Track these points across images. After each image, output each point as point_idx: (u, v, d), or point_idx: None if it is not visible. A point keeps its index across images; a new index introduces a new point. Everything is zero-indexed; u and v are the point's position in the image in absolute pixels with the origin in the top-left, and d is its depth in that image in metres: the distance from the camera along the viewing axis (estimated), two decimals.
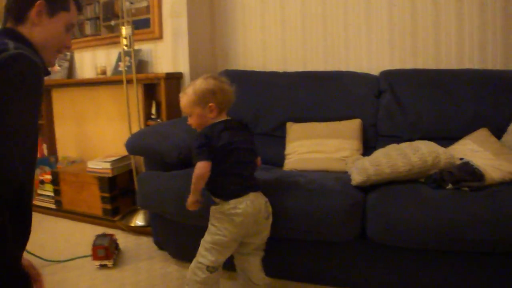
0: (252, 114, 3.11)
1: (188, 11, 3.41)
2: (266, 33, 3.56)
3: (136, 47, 3.46)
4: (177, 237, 2.65)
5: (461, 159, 2.23)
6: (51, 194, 3.82)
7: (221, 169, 1.91)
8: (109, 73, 3.80)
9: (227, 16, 3.69)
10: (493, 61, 2.89)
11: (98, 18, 3.99)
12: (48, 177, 3.86)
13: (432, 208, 1.95)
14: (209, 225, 1.98)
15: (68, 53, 4.10)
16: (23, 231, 1.37)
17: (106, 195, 3.43)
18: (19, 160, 1.18)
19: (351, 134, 2.75)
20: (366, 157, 2.36)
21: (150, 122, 3.47)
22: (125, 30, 3.28)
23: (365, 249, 2.16)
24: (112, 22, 3.87)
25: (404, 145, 2.29)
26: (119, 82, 3.47)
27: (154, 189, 2.47)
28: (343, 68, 3.24)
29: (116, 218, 3.37)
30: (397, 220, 1.97)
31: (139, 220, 3.25)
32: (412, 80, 2.85)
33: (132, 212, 3.35)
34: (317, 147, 2.71)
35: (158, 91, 3.45)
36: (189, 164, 2.22)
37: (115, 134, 3.86)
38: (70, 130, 4.24)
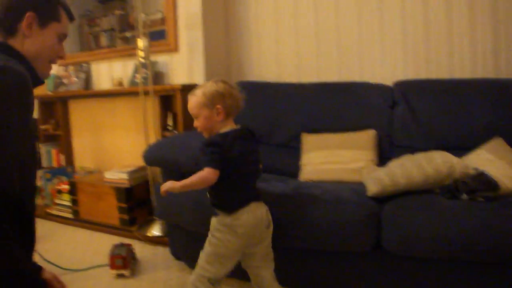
0: (268, 125, 3.13)
1: (204, 24, 3.45)
2: (280, 45, 3.59)
3: (152, 58, 3.51)
4: (194, 247, 2.65)
5: (475, 169, 2.22)
6: (69, 203, 3.86)
7: (230, 182, 1.89)
8: (125, 84, 3.85)
9: (242, 28, 3.72)
10: (507, 70, 2.88)
11: (113, 29, 4.05)
12: (66, 186, 3.90)
13: (447, 219, 1.95)
14: (210, 237, 1.96)
15: (85, 65, 4.16)
16: (27, 241, 1.36)
17: (123, 205, 3.47)
18: (9, 171, 1.18)
19: (366, 144, 2.76)
20: (381, 168, 2.38)
21: (167, 133, 3.50)
22: (141, 42, 3.33)
23: (380, 259, 2.16)
24: (128, 34, 3.93)
25: (419, 156, 2.29)
26: (136, 93, 3.52)
27: (172, 199, 2.48)
28: (357, 78, 3.26)
29: (133, 228, 3.40)
30: (413, 230, 1.97)
31: (155, 230, 3.28)
32: (426, 90, 2.85)
33: (149, 222, 3.38)
34: (332, 158, 2.72)
35: (174, 102, 3.49)
36: None
37: (132, 145, 3.91)
38: (87, 141, 4.30)
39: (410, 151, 2.50)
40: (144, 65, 3.41)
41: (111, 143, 4.12)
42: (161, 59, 3.67)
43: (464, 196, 2.07)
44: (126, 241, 3.08)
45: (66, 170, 4.28)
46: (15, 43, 1.39)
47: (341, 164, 2.68)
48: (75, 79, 4.16)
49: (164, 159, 2.65)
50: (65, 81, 4.21)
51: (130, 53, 3.78)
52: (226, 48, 3.77)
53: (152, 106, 3.41)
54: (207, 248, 1.95)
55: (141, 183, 3.57)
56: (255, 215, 1.92)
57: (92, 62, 4.18)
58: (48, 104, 4.48)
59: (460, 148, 2.54)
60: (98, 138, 4.21)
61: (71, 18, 1.54)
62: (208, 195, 1.99)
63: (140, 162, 3.09)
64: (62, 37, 1.50)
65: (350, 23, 3.30)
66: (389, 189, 2.15)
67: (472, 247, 1.87)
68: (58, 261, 2.93)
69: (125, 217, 3.47)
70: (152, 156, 2.71)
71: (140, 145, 3.53)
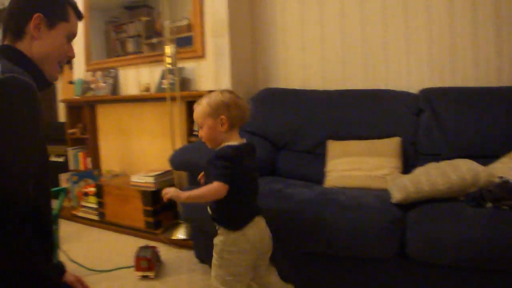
0: (293, 132, 3.15)
1: (230, 31, 3.49)
2: (306, 52, 3.61)
3: (179, 65, 3.56)
4: None
5: (500, 177, 2.20)
6: (95, 206, 3.94)
7: (237, 199, 1.87)
8: (152, 90, 3.91)
9: (268, 35, 3.76)
10: None
11: (140, 36, 4.12)
12: (92, 189, 3.98)
13: (471, 227, 1.94)
14: (218, 259, 1.91)
15: (113, 70, 4.25)
16: (45, 245, 1.31)
17: (149, 208, 3.52)
18: (20, 181, 1.12)
19: (391, 152, 2.76)
20: (406, 175, 2.38)
21: (193, 139, 3.54)
22: (169, 49, 3.38)
23: (404, 266, 2.16)
24: (154, 40, 3.99)
25: (444, 164, 2.29)
26: (162, 99, 3.58)
27: (197, 203, 2.50)
28: (382, 86, 3.26)
29: (158, 231, 3.45)
30: (437, 238, 1.97)
31: (180, 234, 3.32)
32: (452, 98, 2.84)
33: (174, 226, 3.42)
34: (357, 165, 2.73)
35: None
36: None
37: (158, 150, 3.97)
38: (113, 145, 4.38)
39: (435, 159, 2.50)
40: (171, 71, 3.47)
41: (138, 148, 4.18)
42: (188, 65, 3.73)
43: (489, 204, 2.06)
44: (151, 243, 3.12)
45: (93, 173, 4.36)
46: (23, 46, 1.35)
47: (365, 171, 2.69)
48: (103, 84, 4.25)
49: (190, 163, 2.69)
50: (92, 86, 4.30)
51: (157, 59, 3.84)
52: (252, 55, 3.80)
53: (178, 112, 3.47)
54: (218, 271, 1.91)
55: (167, 186, 3.58)
56: (259, 229, 1.93)
57: (120, 68, 4.26)
58: (75, 109, 4.58)
59: (485, 157, 2.52)
60: (125, 142, 4.28)
61: (79, 16, 1.51)
62: (209, 209, 1.97)
63: (166, 167, 3.14)
64: (71, 36, 1.47)
65: (376, 31, 3.31)
66: (413, 196, 2.16)
67: (497, 254, 1.87)
68: (84, 262, 2.99)
69: (151, 220, 3.52)
70: (178, 160, 2.76)
71: (166, 150, 3.57)
